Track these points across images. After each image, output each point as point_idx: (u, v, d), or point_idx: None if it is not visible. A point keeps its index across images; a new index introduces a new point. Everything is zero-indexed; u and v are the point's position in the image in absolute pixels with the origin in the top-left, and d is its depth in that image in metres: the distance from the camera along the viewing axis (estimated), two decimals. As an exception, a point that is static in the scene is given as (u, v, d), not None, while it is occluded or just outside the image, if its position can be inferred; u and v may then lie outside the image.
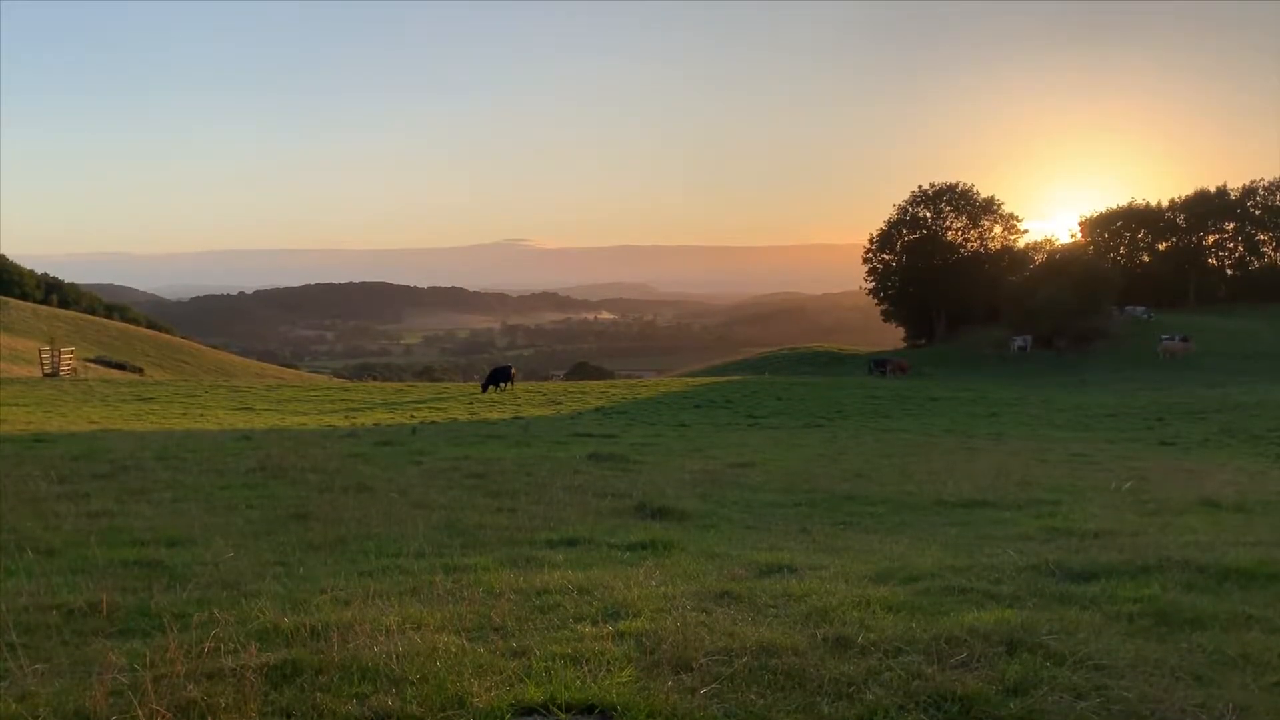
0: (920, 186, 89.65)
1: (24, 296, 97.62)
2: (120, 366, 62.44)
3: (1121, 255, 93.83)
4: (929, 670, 4.84)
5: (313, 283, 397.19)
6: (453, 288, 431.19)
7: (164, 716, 4.09)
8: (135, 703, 4.16)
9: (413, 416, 30.35)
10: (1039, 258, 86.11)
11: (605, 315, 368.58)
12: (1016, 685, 4.69)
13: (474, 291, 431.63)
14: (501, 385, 42.84)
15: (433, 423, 27.46)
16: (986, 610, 5.92)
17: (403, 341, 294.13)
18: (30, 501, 10.06)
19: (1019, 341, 72.54)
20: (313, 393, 41.12)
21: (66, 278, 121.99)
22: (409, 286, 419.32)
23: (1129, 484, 13.45)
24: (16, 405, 28.86)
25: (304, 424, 26.35)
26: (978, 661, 5.00)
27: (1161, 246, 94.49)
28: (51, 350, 50.01)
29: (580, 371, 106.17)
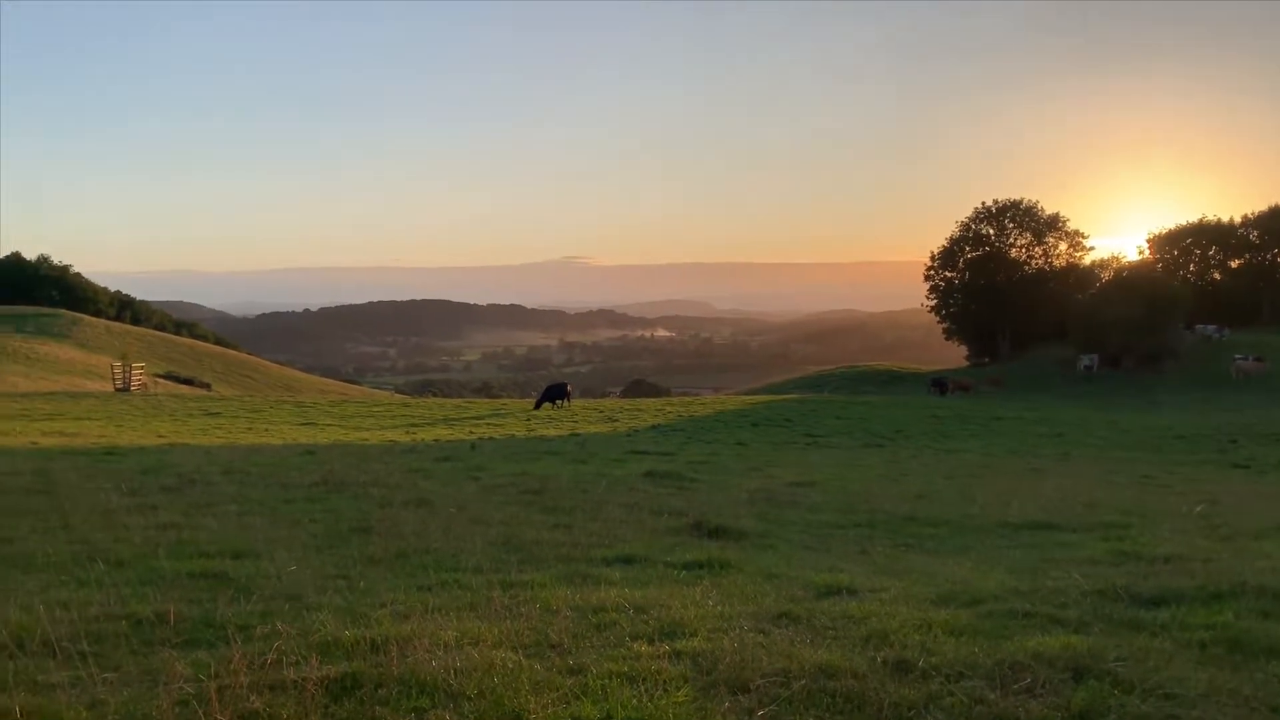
0: (983, 203, 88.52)
1: (98, 313, 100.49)
2: (188, 382, 63.94)
3: (1192, 272, 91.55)
4: (992, 696, 4.75)
5: (375, 300, 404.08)
6: (511, 305, 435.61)
7: (228, 726, 4.16)
8: (200, 712, 4.25)
9: (471, 432, 30.59)
10: (1106, 275, 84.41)
11: (662, 332, 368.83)
12: (1083, 713, 4.59)
13: (532, 309, 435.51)
14: (558, 402, 42.97)
15: (491, 439, 27.64)
16: (1052, 635, 5.80)
17: (462, 358, 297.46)
18: (101, 513, 10.32)
19: (1085, 361, 71.10)
20: (375, 408, 41.68)
21: (138, 295, 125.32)
22: (469, 304, 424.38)
23: (1200, 507, 13.08)
24: (90, 419, 29.70)
25: (366, 439, 26.71)
26: (1042, 688, 4.89)
27: (1234, 264, 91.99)
28: (123, 366, 51.42)
29: (637, 389, 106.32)
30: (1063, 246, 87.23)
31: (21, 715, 4.25)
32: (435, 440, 26.79)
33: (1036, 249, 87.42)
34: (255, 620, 6.00)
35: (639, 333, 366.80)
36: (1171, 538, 10.36)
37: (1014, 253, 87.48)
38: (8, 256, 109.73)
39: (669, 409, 42.81)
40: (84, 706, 4.45)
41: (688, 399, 55.76)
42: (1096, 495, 15.32)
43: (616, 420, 37.12)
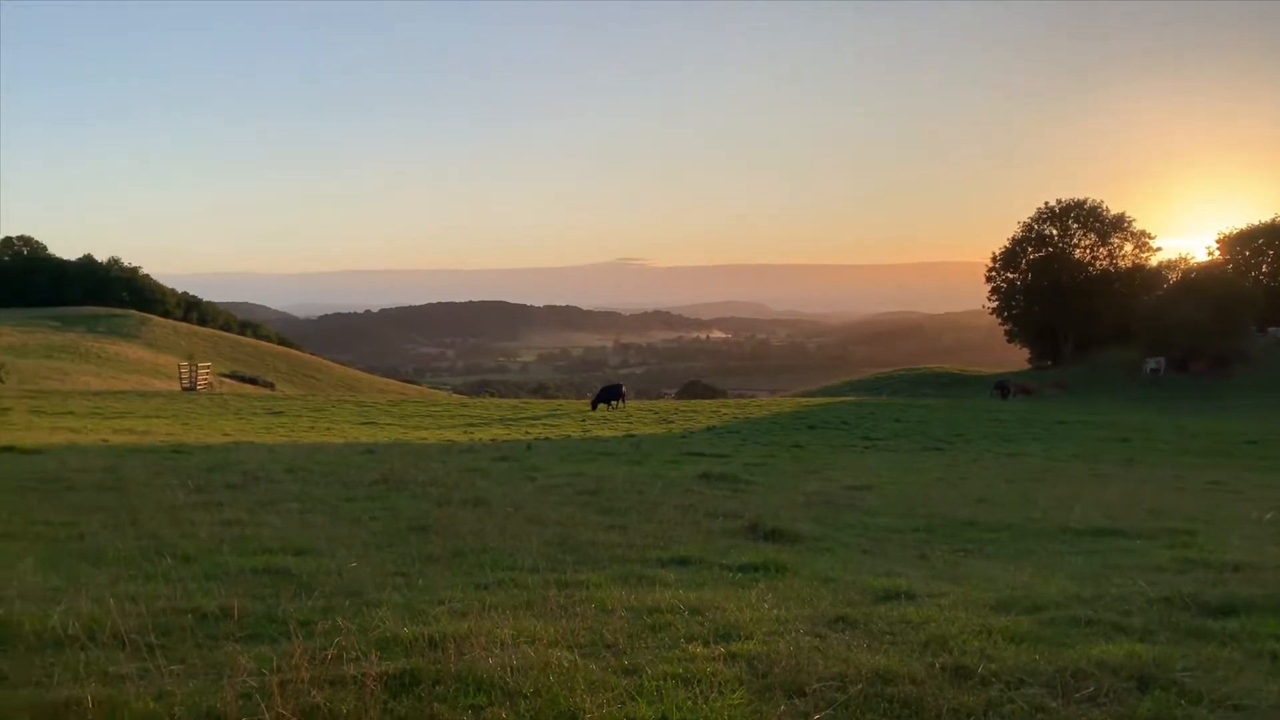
0: (1046, 203, 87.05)
1: (166, 314, 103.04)
2: (253, 381, 65.24)
3: (1264, 274, 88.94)
4: (1053, 704, 4.67)
5: (434, 301, 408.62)
6: (567, 306, 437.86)
7: (290, 720, 4.23)
8: (263, 706, 4.33)
9: (528, 433, 30.79)
10: (1173, 277, 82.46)
11: (717, 334, 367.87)
12: (1149, 724, 4.49)
13: (587, 310, 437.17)
14: (613, 403, 43.09)
15: (547, 439, 27.80)
16: (1115, 643, 5.68)
17: (519, 359, 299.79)
18: (169, 509, 10.57)
19: (1152, 364, 69.51)
20: (433, 408, 42.15)
21: (204, 296, 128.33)
22: (525, 305, 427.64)
23: (1271, 514, 12.71)
24: (158, 417, 30.44)
25: (424, 439, 27.01)
26: (1106, 697, 4.80)
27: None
28: (190, 366, 52.62)
29: (692, 390, 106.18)
30: (1128, 247, 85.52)
31: (93, 704, 4.36)
32: (492, 440, 27.01)
33: (1101, 250, 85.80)
34: (316, 616, 6.10)
35: (694, 334, 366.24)
36: (1241, 545, 10.08)
37: (1078, 253, 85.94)
38: (80, 259, 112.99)
39: (724, 411, 42.68)
40: (151, 698, 4.56)
41: (743, 401, 55.57)
42: (1162, 501, 14.98)
43: (671, 422, 37.11)
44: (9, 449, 17.53)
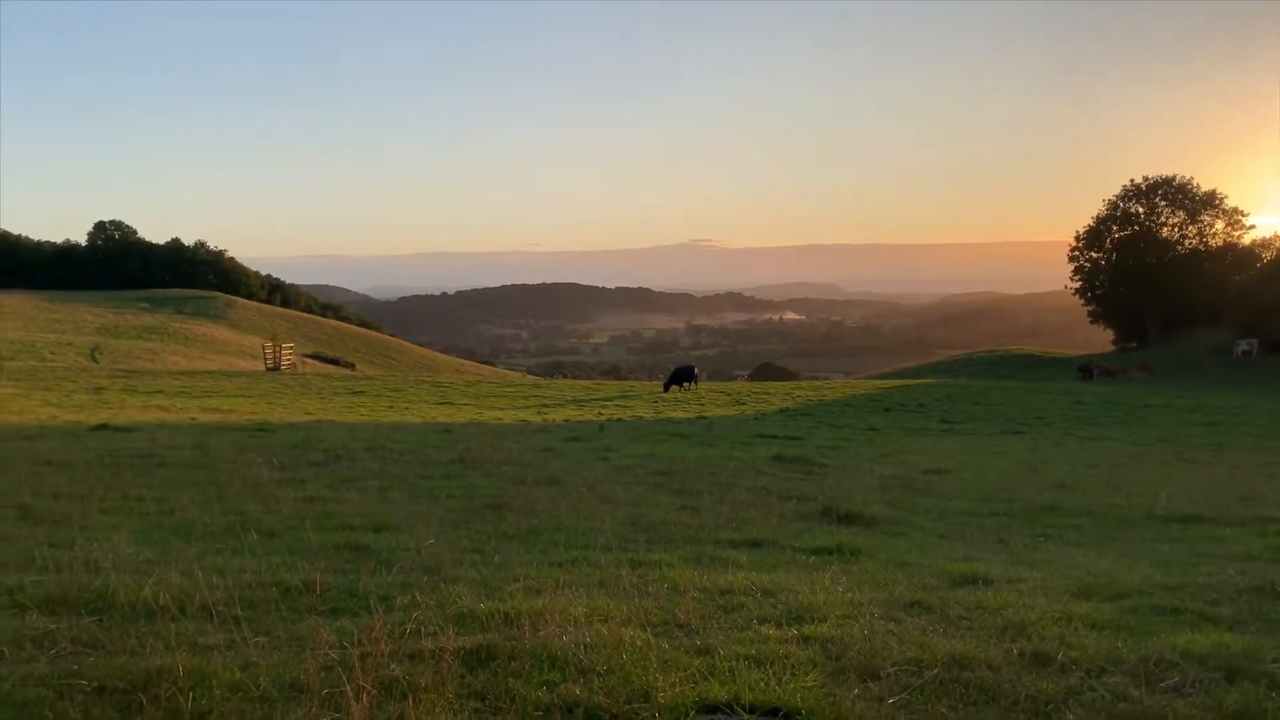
0: (1133, 180, 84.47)
1: (250, 296, 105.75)
2: (334, 362, 66.62)
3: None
4: (1136, 693, 4.56)
5: (509, 284, 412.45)
6: (639, 288, 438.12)
7: (370, 693, 4.33)
8: (344, 678, 4.43)
9: (600, 413, 30.95)
10: (1268, 255, 79.32)
11: (790, 315, 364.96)
12: (1236, 715, 4.36)
13: (659, 292, 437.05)
14: (685, 385, 43.04)
15: (619, 420, 27.92)
16: (1202, 633, 5.53)
17: (591, 340, 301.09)
18: (253, 486, 10.87)
19: (1244, 345, 67.09)
20: (508, 389, 42.59)
21: (287, 279, 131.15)
22: (597, 287, 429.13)
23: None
24: (243, 396, 31.29)
25: (500, 419, 27.33)
26: (1191, 687, 4.67)
27: None
28: (274, 346, 53.96)
29: (764, 372, 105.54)
30: (1219, 225, 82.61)
31: (183, 673, 4.51)
32: (565, 421, 27.21)
33: (1190, 228, 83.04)
34: (395, 591, 6.22)
35: (766, 316, 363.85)
36: (1339, 535, 9.70)
37: (1165, 232, 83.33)
38: (169, 242, 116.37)
39: (797, 393, 42.37)
40: (238, 668, 4.70)
41: (817, 383, 55.08)
42: (1254, 487, 14.50)
43: (743, 404, 36.97)
44: (104, 426, 18.19)
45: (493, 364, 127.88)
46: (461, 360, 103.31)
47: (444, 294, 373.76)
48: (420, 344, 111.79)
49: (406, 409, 30.31)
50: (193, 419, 22.09)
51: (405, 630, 5.16)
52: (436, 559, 7.30)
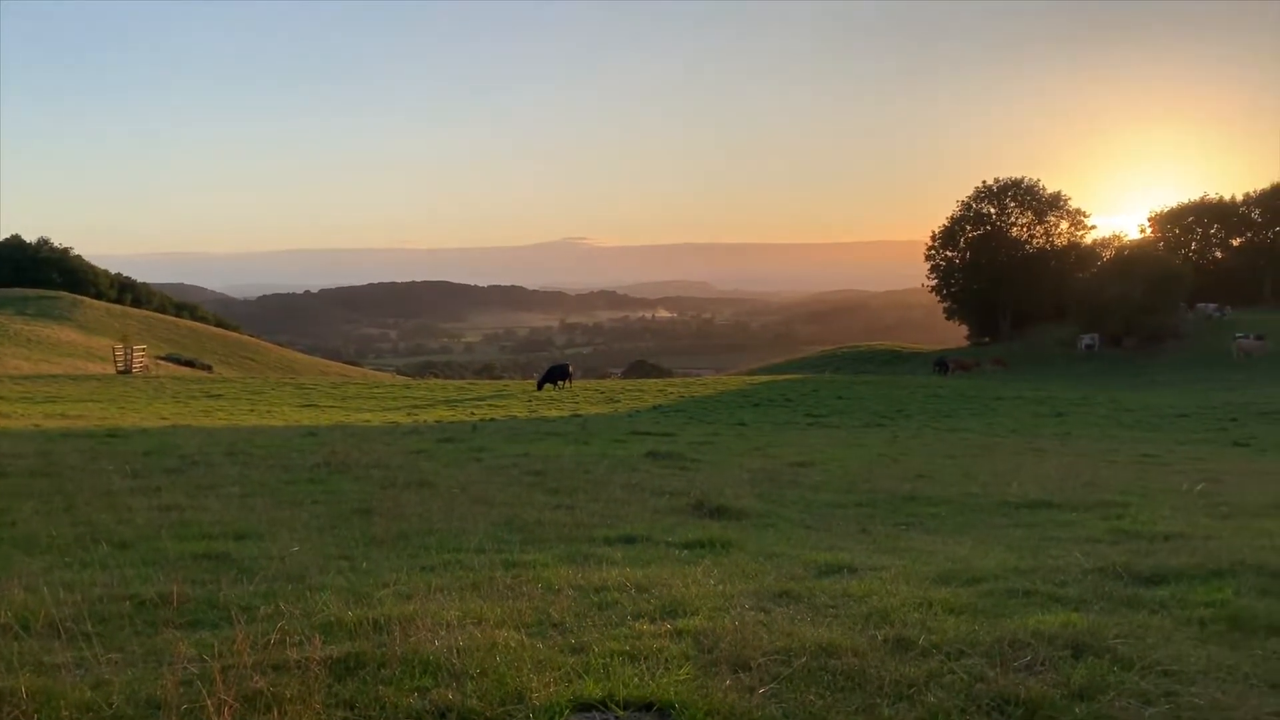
0: (984, 182, 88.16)
1: (98, 296, 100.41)
2: (190, 364, 63.95)
3: (1193, 252, 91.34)
4: (992, 674, 4.77)
5: (376, 282, 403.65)
6: (512, 286, 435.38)
7: (232, 707, 4.18)
8: (204, 692, 4.27)
9: (473, 414, 30.66)
10: (1107, 254, 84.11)
11: (663, 313, 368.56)
12: (1082, 690, 4.61)
13: (533, 290, 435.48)
14: (559, 383, 43.08)
15: (492, 420, 27.71)
16: (1051, 613, 5.83)
17: (463, 339, 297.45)
18: (105, 495, 10.35)
19: (1087, 340, 71.03)
20: (376, 390, 41.74)
21: (140, 277, 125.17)
22: (470, 285, 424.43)
23: (1201, 486, 13.10)
24: (92, 401, 29.74)
25: (367, 421, 26.77)
26: (1042, 665, 4.92)
27: (1235, 242, 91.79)
28: (125, 348, 51.47)
29: (638, 369, 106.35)
30: (1064, 225, 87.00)
31: (27, 696, 4.27)
32: (437, 422, 26.85)
33: (1038, 228, 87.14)
34: (259, 601, 6.03)
35: (640, 314, 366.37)
36: (1172, 516, 10.38)
37: (1015, 232, 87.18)
38: (8, 239, 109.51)
39: (670, 390, 42.84)
40: (88, 687, 4.47)
41: (689, 380, 55.80)
42: (1097, 474, 15.34)
43: (618, 401, 37.17)
44: (-65, 435, 17.02)
45: (359, 365, 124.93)
46: (326, 361, 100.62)
47: (307, 292, 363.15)
48: (282, 344, 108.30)
49: (268, 412, 29.40)
50: (36, 425, 20.88)
51: (269, 641, 5.00)
52: (301, 567, 7.10)
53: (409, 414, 30.45)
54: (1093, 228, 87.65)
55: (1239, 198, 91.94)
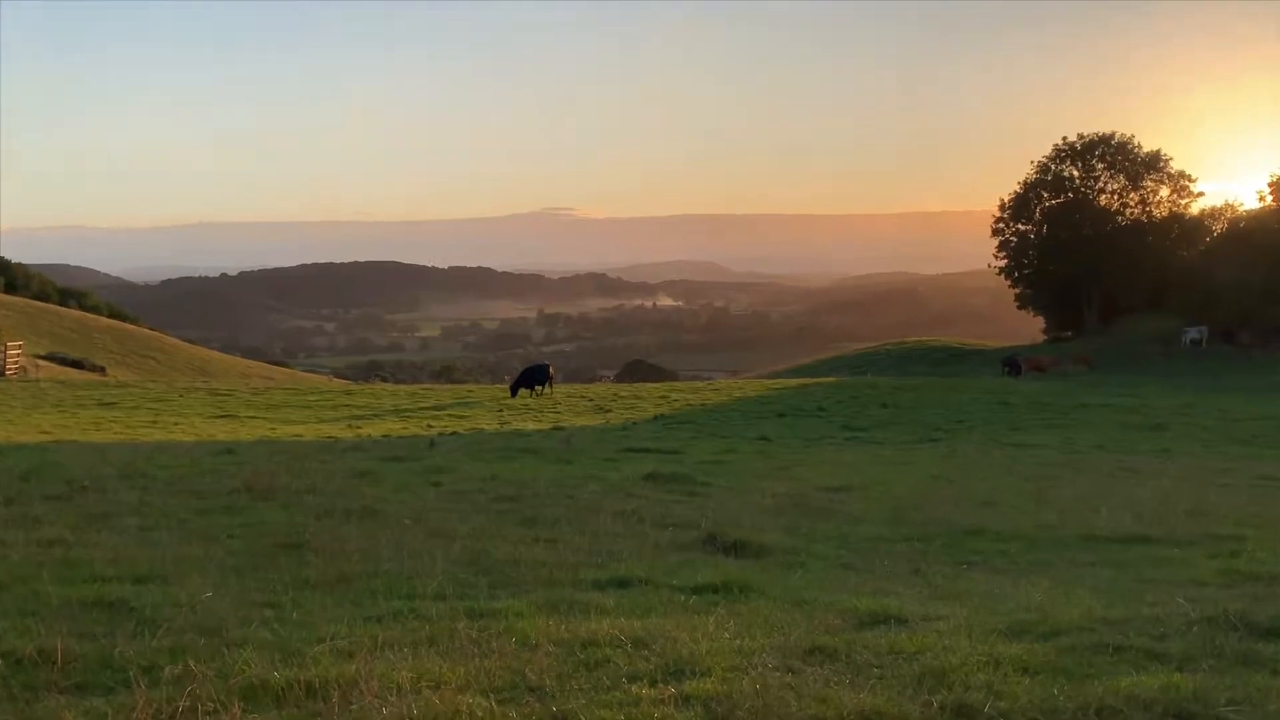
0: (1065, 138, 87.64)
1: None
2: (77, 364, 63.88)
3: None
4: (1075, 749, 4.77)
5: (309, 262, 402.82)
6: (479, 268, 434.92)
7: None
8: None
9: (430, 426, 30.63)
10: (1218, 228, 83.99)
11: (666, 301, 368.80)
12: (1187, 769, 4.62)
13: (504, 272, 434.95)
14: (537, 389, 43.09)
15: (454, 434, 27.71)
16: (1149, 674, 5.83)
17: (418, 334, 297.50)
18: (-29, 527, 10.33)
19: (1192, 334, 71.02)
20: (309, 397, 41.72)
21: (13, 256, 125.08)
22: (426, 267, 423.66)
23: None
24: (-45, 411, 29.71)
25: (299, 435, 26.75)
26: (1137, 739, 4.92)
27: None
28: (-4, 345, 51.34)
29: (635, 371, 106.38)
30: (1164, 192, 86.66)
31: None
32: (385, 436, 26.84)
33: (1131, 195, 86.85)
34: (163, 659, 6.01)
35: (637, 302, 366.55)
36: (1297, 553, 10.38)
37: (1103, 200, 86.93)
38: None
39: (675, 396, 42.87)
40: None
41: (698, 384, 55.82)
42: (1204, 501, 15.33)
43: (609, 411, 37.18)
44: None
45: (288, 365, 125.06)
46: (247, 361, 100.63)
47: (223, 275, 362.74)
48: (192, 340, 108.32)
49: (175, 425, 29.38)
50: (-115, 442, 20.88)
51: (177, 709, 5.00)
52: (217, 617, 7.09)
53: (350, 426, 30.42)
54: (1200, 195, 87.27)
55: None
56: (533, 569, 9.05)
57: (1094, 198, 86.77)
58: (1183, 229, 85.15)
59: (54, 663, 5.88)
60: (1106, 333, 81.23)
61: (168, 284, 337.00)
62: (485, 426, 30.68)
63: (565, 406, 38.71)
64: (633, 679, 5.75)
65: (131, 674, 5.64)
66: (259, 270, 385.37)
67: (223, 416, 32.98)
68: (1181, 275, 74.56)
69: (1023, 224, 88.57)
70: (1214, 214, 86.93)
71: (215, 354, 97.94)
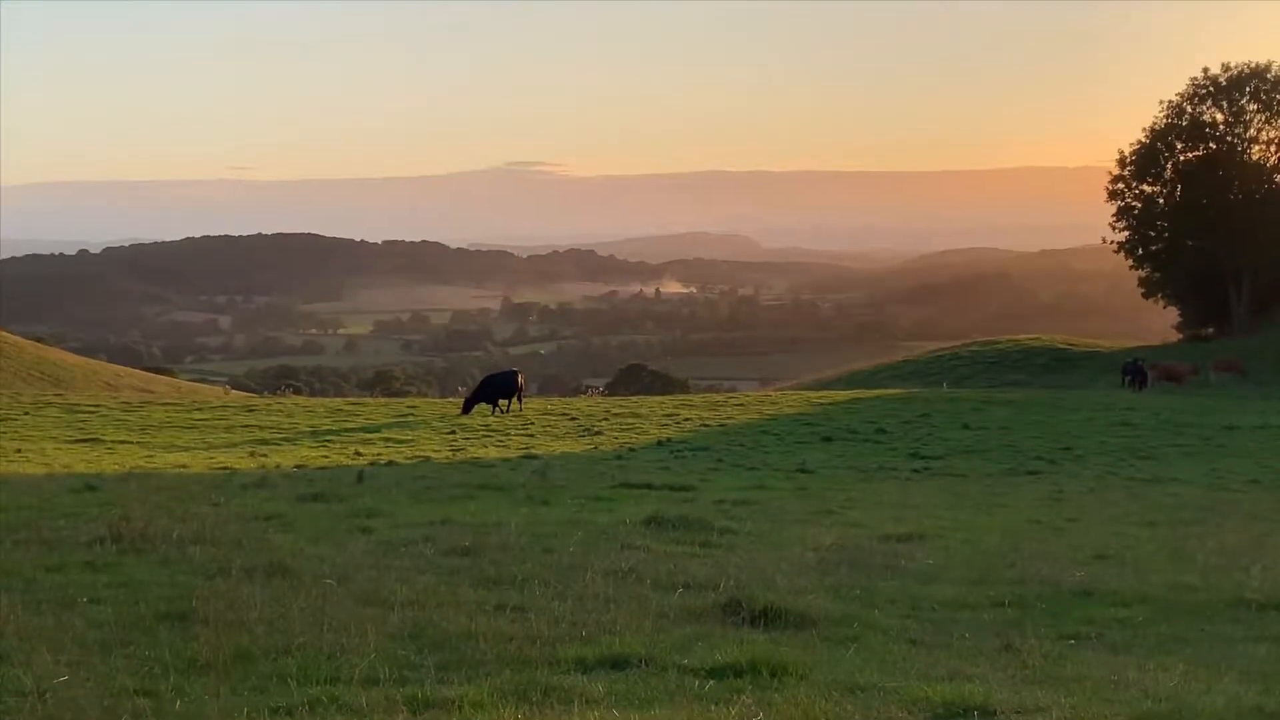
0: (1206, 71, 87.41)
1: None
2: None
3: None
4: None
5: (197, 235, 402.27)
6: (424, 243, 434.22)
7: None
8: None
9: (358, 454, 30.58)
10: None
11: (674, 287, 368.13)
12: None
13: (458, 249, 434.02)
14: (502, 403, 43.08)
15: (391, 464, 27.65)
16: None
17: (343, 331, 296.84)
18: None
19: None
20: (197, 414, 41.66)
21: None
22: (353, 240, 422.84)
23: None
24: None
25: (183, 466, 26.69)
26: None
27: None
28: None
29: (633, 379, 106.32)
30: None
31: None
32: (299, 467, 26.80)
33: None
34: (2, 766, 6.03)
35: (635, 288, 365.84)
36: None
37: (1257, 152, 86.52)
38: None
39: (685, 414, 42.83)
40: None
41: (717, 397, 55.82)
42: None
43: (600, 433, 37.16)
44: None
45: (172, 372, 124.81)
46: (115, 366, 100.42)
47: (83, 253, 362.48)
48: (40, 339, 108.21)
49: (17, 452, 29.32)
50: None
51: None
52: (75, 708, 7.09)
53: (252, 454, 30.36)
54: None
55: None
56: (495, 644, 9.04)
57: (1244, 149, 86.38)
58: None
59: None
60: (1262, 329, 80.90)
61: (9, 263, 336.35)
62: (432, 454, 30.62)
63: (540, 427, 38.68)
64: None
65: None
66: (131, 245, 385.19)
67: (83, 440, 32.91)
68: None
69: (1149, 184, 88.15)
70: None
71: (72, 357, 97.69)
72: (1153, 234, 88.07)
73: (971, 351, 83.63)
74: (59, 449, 30.48)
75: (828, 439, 36.28)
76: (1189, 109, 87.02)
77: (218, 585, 11.00)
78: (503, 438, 35.76)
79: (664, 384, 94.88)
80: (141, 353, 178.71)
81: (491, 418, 41.34)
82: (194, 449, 31.67)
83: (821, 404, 47.81)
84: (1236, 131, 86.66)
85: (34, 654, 8.34)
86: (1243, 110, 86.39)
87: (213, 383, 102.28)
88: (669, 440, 35.32)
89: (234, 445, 32.90)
